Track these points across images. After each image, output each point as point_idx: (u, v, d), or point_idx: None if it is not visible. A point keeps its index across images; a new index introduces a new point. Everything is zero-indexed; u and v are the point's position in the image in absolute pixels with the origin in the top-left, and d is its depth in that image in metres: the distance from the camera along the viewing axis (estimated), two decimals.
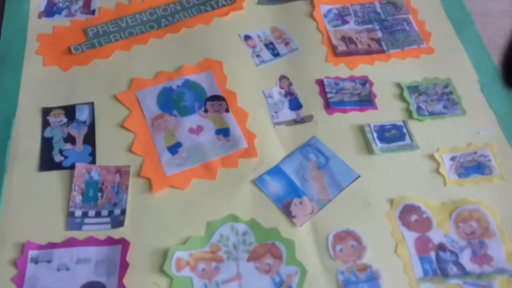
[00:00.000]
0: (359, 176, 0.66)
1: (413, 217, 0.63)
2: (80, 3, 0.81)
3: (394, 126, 0.71)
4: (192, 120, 0.70)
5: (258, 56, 0.77)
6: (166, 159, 0.66)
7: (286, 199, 0.64)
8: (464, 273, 0.59)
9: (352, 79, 0.75)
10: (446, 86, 0.75)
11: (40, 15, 0.80)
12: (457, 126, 0.72)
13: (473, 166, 0.68)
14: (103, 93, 0.72)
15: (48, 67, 0.74)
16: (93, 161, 0.66)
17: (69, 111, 0.70)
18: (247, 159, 0.67)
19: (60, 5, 0.81)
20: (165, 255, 0.59)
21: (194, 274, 0.58)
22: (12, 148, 0.66)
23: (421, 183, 0.66)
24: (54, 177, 0.65)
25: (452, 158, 0.68)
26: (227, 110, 0.71)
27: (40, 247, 0.59)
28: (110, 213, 0.62)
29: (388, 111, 0.73)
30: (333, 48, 0.78)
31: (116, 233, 0.61)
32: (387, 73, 0.76)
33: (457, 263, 0.60)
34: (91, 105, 0.71)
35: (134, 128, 0.69)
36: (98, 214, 0.62)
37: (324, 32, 0.80)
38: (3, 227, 0.60)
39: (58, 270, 0.58)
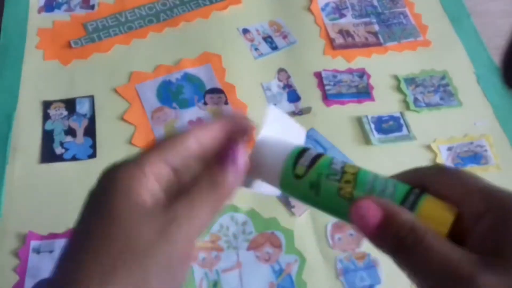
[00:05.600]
0: None
1: None
2: None
3: (391, 118, 0.71)
4: (192, 113, 0.71)
5: (256, 49, 0.78)
6: None
7: None
8: None
9: (349, 71, 0.76)
10: (443, 78, 0.76)
11: (40, 10, 0.80)
12: (453, 117, 0.73)
13: (470, 156, 0.69)
14: (103, 87, 0.73)
15: (48, 61, 0.75)
16: (93, 154, 0.67)
17: (70, 104, 0.71)
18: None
19: (60, 0, 0.82)
20: None
21: (195, 263, 0.59)
22: (13, 141, 0.67)
23: None
24: (55, 169, 0.65)
25: (449, 149, 0.69)
26: (226, 103, 0.72)
27: (42, 237, 0.60)
28: None
29: (385, 102, 0.73)
30: (331, 41, 0.79)
31: None
32: (384, 65, 0.77)
33: None
34: (91, 98, 0.71)
35: (134, 121, 0.70)
36: None
37: (322, 26, 0.81)
38: (5, 218, 0.61)
39: None
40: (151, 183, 0.29)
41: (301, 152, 0.32)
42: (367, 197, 0.29)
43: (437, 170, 0.30)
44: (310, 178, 0.31)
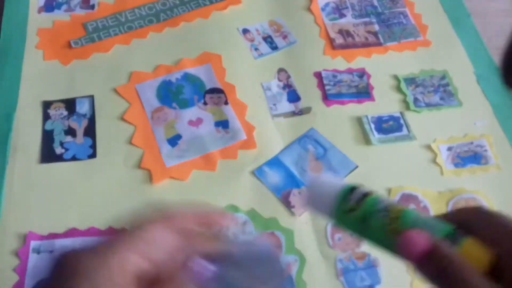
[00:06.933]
0: (357, 167, 0.67)
1: (411, 206, 0.64)
2: None
3: (391, 118, 0.71)
4: (192, 113, 0.71)
5: (256, 49, 0.78)
6: (166, 151, 0.67)
7: (285, 190, 0.65)
8: None
9: (349, 71, 0.76)
10: (443, 78, 0.76)
11: (40, 10, 0.80)
12: (453, 117, 0.73)
13: (470, 156, 0.69)
14: (103, 87, 0.73)
15: (48, 61, 0.75)
16: (93, 154, 0.67)
17: (70, 104, 0.71)
18: (246, 150, 0.68)
19: (60, 0, 0.82)
20: None
21: None
22: (13, 141, 0.67)
23: (419, 173, 0.67)
24: (55, 169, 0.65)
25: (449, 149, 0.69)
26: (226, 103, 0.72)
27: (42, 237, 0.60)
28: None
29: (385, 102, 0.73)
30: (331, 41, 0.79)
31: (118, 224, 0.61)
32: (384, 65, 0.77)
33: None
34: (91, 98, 0.71)
35: (134, 121, 0.70)
36: None
37: (322, 25, 0.81)
38: (6, 218, 0.61)
39: None
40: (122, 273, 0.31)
41: (351, 189, 0.36)
42: (415, 229, 0.32)
43: (479, 211, 0.34)
44: (360, 213, 0.34)
